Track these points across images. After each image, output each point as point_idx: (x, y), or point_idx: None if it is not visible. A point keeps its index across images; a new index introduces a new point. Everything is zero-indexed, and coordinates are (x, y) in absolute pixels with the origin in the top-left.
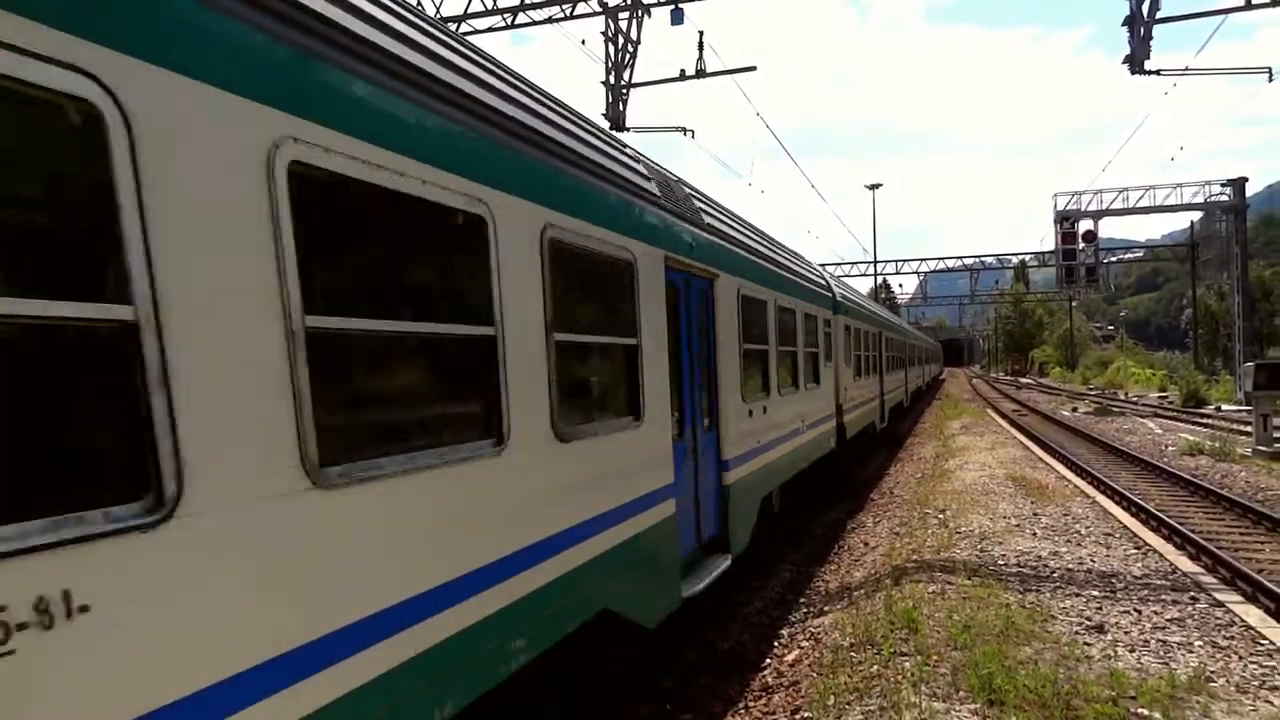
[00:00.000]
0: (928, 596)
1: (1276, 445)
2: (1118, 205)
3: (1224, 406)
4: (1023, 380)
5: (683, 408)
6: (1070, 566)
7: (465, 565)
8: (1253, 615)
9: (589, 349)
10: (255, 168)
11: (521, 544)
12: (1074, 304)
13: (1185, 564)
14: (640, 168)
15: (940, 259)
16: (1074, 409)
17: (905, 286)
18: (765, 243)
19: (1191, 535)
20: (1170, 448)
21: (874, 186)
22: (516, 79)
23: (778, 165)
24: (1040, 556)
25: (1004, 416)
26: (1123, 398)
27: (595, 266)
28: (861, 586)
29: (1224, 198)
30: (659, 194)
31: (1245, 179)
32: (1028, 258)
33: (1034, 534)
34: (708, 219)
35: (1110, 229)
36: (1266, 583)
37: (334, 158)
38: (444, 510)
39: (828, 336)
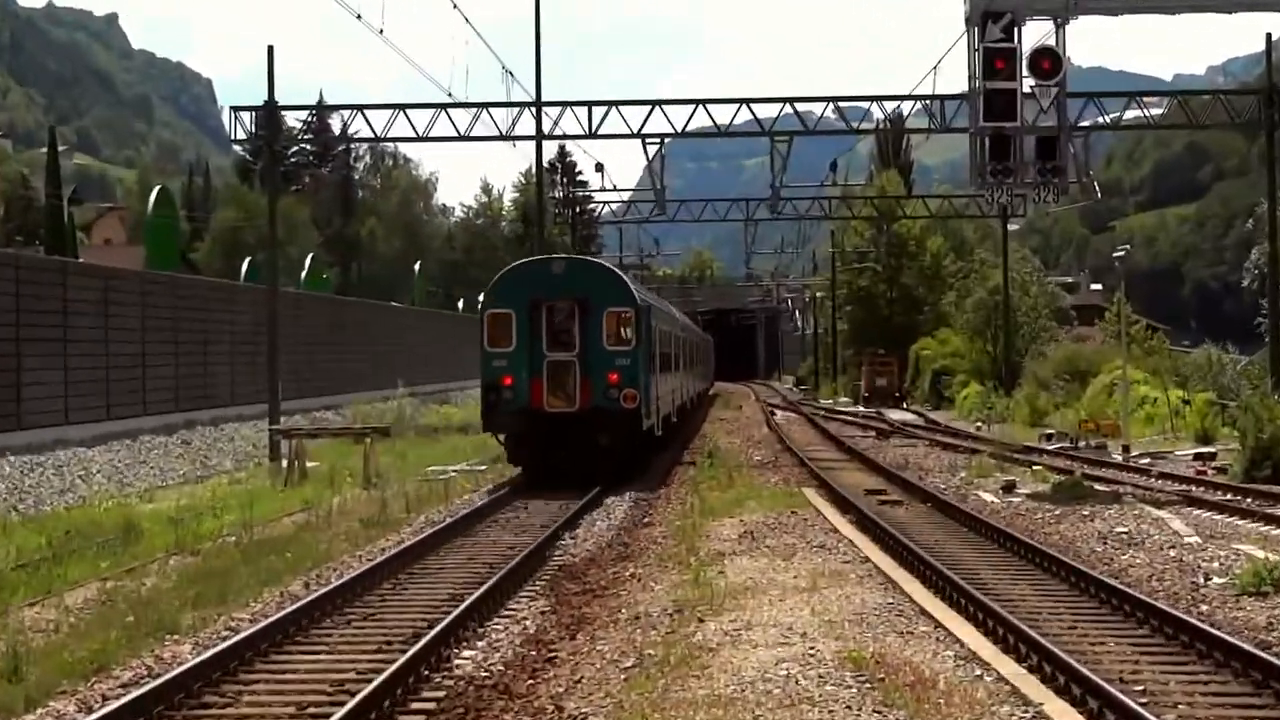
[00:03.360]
0: None
1: None
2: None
3: None
4: (892, 415)
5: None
6: None
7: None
8: None
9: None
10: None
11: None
12: (1011, 226)
13: None
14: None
15: (695, 101)
16: (1005, 485)
17: (619, 174)
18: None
19: None
20: (1214, 580)
21: None
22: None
23: None
24: None
25: (843, 506)
26: (1118, 455)
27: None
28: None
29: None
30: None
31: None
32: (906, 108)
33: None
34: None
35: (1096, 53)
36: None
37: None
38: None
39: None
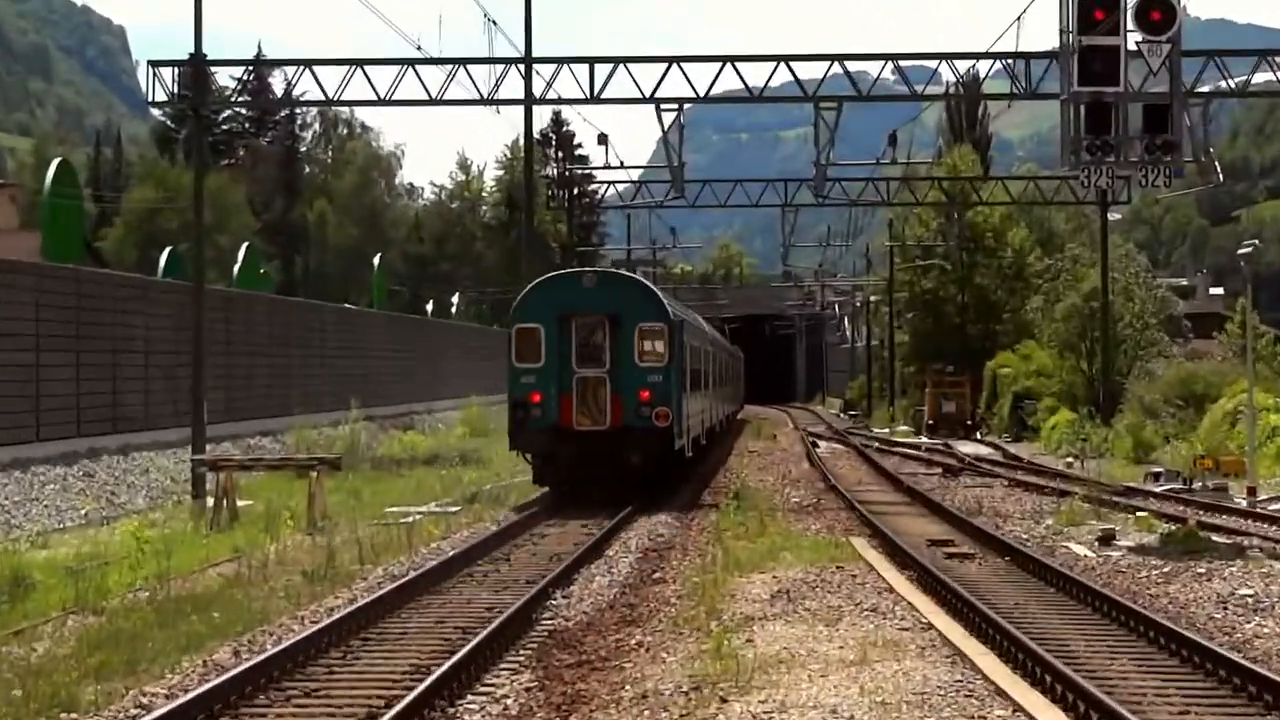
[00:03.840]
0: None
1: None
2: None
3: None
4: (963, 449)
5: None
6: None
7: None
8: None
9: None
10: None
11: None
12: (1112, 215)
13: None
14: (694, 322)
15: (722, 59)
16: (1102, 536)
17: (627, 148)
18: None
19: None
20: None
21: None
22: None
23: None
24: None
25: (900, 560)
26: (1242, 500)
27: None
28: None
29: None
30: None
31: None
32: (982, 68)
33: None
34: (686, 320)
35: (1218, 2)
36: None
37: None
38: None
39: None
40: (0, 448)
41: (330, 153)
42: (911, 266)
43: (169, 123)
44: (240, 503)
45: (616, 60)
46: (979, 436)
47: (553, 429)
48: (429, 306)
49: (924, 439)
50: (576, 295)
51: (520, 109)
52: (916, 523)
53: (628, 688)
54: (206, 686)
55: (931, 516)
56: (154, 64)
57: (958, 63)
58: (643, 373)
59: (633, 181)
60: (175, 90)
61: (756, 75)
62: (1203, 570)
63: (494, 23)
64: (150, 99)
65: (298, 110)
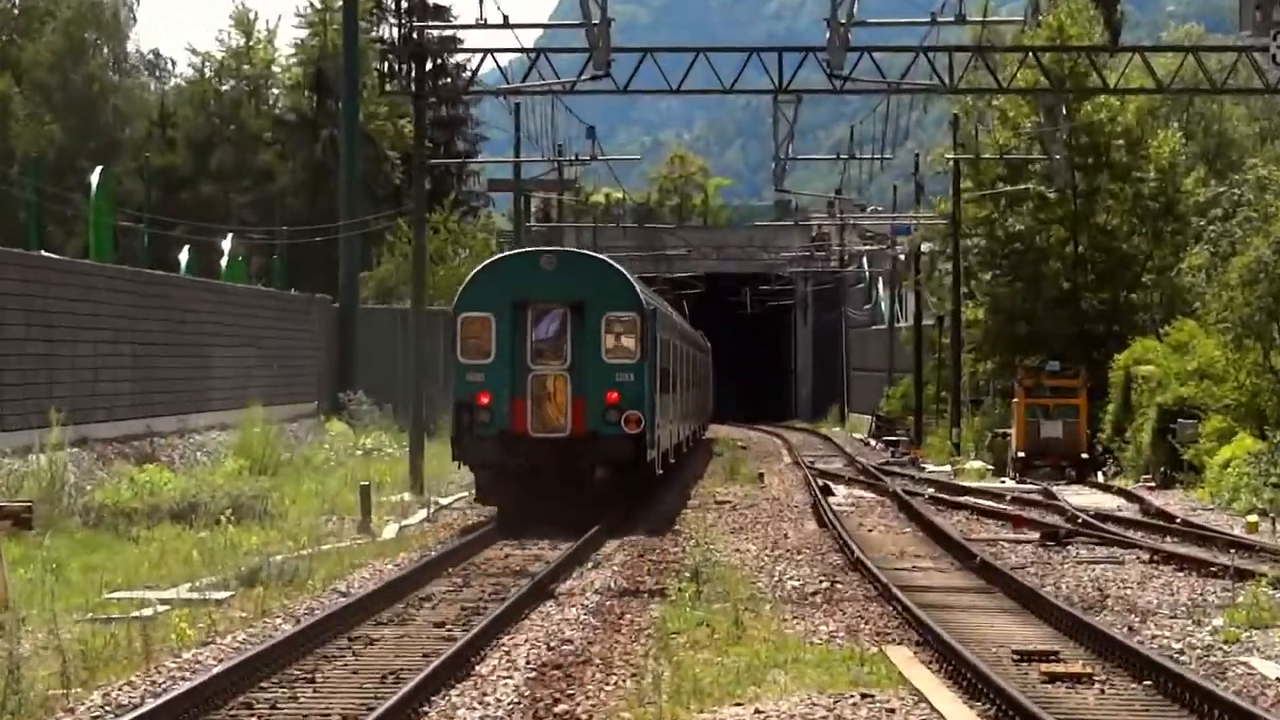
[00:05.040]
0: None
1: None
2: None
3: None
4: (1074, 498)
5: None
6: None
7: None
8: None
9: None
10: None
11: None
12: None
13: None
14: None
15: None
16: None
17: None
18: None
19: None
20: None
21: None
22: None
23: None
24: None
25: (969, 685)
26: None
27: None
28: None
29: None
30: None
31: None
32: None
33: None
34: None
35: None
36: None
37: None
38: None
39: None
40: None
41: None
42: (989, 195)
43: None
44: None
45: None
46: (1102, 478)
47: (503, 436)
48: (182, 256)
49: (1009, 481)
50: (532, 279)
51: None
52: (995, 623)
53: None
54: None
55: (1021, 613)
56: None
57: None
58: (610, 370)
59: (526, 51)
60: None
61: None
62: None
63: None
64: None
65: None
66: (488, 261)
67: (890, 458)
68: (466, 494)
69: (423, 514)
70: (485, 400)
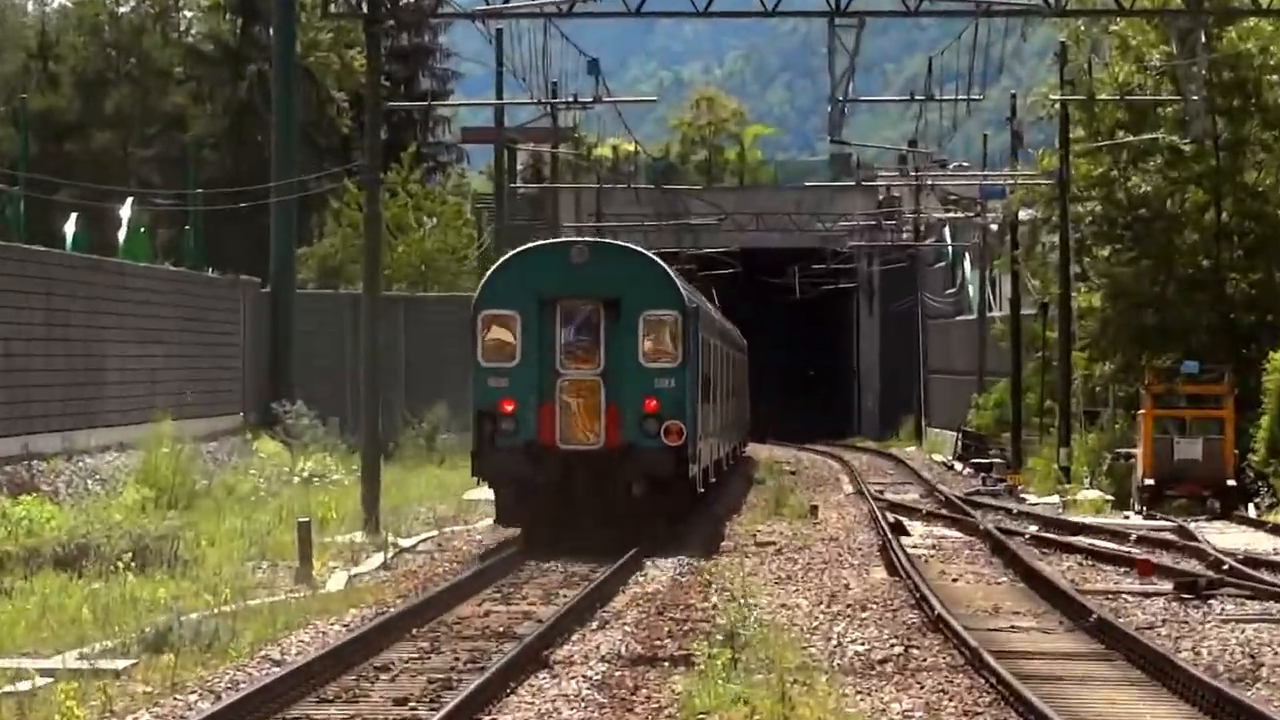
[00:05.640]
0: None
1: None
2: None
3: None
4: (1218, 539)
5: None
6: None
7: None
8: None
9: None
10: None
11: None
12: None
13: None
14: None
15: None
16: None
17: None
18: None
19: None
20: None
21: None
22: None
23: None
24: None
25: None
26: None
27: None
28: None
29: None
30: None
31: None
32: None
33: None
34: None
35: None
36: None
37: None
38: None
39: None
40: None
41: None
42: (1107, 148)
43: None
44: None
45: None
46: (1254, 512)
47: (528, 448)
48: (68, 227)
49: (1134, 517)
50: (562, 272)
51: None
52: (1118, 699)
53: None
54: None
55: (1150, 685)
56: None
57: None
58: (649, 375)
59: None
60: None
61: None
62: None
63: None
64: None
65: None
66: (512, 253)
67: (981, 486)
68: (435, 532)
69: (378, 559)
70: (509, 408)
